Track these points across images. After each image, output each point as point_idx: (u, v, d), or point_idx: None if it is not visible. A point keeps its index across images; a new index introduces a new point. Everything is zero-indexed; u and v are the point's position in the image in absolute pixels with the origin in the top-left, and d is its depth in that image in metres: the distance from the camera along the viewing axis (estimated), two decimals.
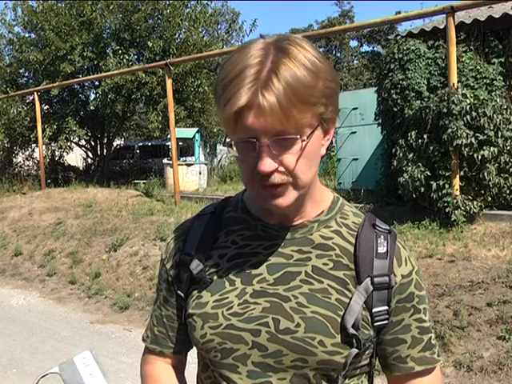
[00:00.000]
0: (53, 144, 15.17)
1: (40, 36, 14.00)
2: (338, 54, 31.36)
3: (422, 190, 5.64)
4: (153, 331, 1.05)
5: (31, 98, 13.88)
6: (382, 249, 0.91)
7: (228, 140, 0.84)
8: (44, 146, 13.55)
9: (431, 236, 5.27)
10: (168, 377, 1.03)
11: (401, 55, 6.57)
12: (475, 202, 5.44)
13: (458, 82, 5.70)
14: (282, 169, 0.81)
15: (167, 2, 14.03)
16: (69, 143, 15.26)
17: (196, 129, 14.57)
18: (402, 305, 0.91)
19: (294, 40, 0.82)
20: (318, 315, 0.87)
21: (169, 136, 12.09)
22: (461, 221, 5.37)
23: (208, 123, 15.95)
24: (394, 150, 6.08)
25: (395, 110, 6.55)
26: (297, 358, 0.86)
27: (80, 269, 6.80)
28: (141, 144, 19.59)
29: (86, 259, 6.98)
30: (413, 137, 5.75)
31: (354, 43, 31.89)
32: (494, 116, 5.39)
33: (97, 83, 14.44)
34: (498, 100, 5.80)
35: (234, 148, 0.83)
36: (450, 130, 5.33)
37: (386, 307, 0.90)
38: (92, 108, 14.13)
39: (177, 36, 14.21)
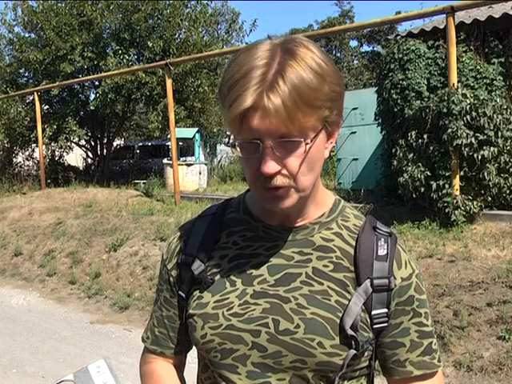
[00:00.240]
0: (53, 144, 15.15)
1: (40, 36, 14.00)
2: (338, 54, 31.30)
3: (422, 189, 5.64)
4: (153, 332, 1.05)
5: (31, 97, 13.88)
6: (382, 251, 0.91)
7: (232, 140, 0.84)
8: (44, 146, 13.54)
9: (431, 236, 5.27)
10: (169, 374, 1.03)
11: (401, 55, 6.57)
12: (475, 202, 5.43)
13: (458, 82, 5.71)
14: (284, 171, 0.81)
15: (167, 2, 14.03)
16: (69, 143, 15.25)
17: (196, 129, 14.54)
18: (402, 308, 0.91)
19: (301, 42, 0.82)
20: (317, 317, 0.87)
21: (169, 136, 12.08)
22: (461, 221, 5.37)
23: (208, 123, 15.93)
24: (393, 150, 6.08)
25: (395, 109, 6.55)
26: (296, 358, 0.86)
27: (80, 269, 6.80)
28: (141, 144, 19.55)
29: (86, 259, 6.98)
30: (413, 137, 5.75)
31: (354, 43, 31.87)
32: (494, 116, 5.38)
33: (97, 83, 14.43)
34: (498, 100, 5.81)
35: (238, 149, 0.83)
36: (450, 130, 5.34)
37: (386, 310, 0.90)
38: (92, 108, 14.12)
39: (177, 36, 14.21)
